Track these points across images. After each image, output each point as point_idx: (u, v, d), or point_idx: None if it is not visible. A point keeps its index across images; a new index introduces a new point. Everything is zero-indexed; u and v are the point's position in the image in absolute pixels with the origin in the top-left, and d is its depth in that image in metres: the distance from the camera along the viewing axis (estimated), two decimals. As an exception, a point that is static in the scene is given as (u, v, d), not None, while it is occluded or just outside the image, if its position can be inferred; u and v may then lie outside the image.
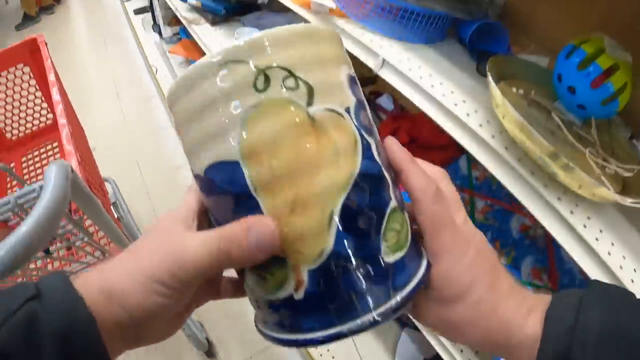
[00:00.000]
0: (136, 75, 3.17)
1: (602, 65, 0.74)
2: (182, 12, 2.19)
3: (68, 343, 0.26)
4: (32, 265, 1.21)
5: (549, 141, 0.62)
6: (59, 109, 1.05)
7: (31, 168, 1.51)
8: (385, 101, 1.61)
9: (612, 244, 0.65)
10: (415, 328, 1.49)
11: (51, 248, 1.17)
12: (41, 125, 1.57)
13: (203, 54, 2.01)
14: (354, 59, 1.02)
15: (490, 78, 0.75)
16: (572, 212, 0.67)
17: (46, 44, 1.30)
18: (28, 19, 4.21)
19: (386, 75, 0.98)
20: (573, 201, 0.68)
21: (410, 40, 1.05)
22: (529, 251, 1.04)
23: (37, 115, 1.54)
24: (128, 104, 2.87)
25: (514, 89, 0.87)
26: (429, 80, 0.90)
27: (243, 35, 1.69)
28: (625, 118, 0.88)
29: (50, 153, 1.55)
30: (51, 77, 1.15)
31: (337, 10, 1.08)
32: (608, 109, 0.77)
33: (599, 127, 0.85)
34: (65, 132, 0.94)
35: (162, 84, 2.67)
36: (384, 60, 0.97)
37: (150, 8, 3.24)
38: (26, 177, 1.48)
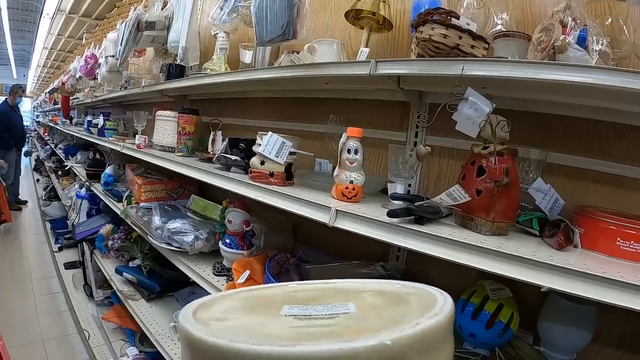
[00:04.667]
0: (65, 335, 3.00)
1: (489, 310, 0.99)
2: (118, 283, 2.26)
3: None
4: None
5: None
6: None
7: None
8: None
9: None
10: None
11: None
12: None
13: (137, 325, 2.03)
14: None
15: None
16: None
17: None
18: None
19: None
20: None
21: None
22: None
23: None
24: (59, 365, 2.64)
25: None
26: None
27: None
28: (525, 326, 1.07)
29: None
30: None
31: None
32: (505, 337, 0.99)
33: (505, 347, 1.04)
34: None
35: (96, 353, 2.54)
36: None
37: (80, 265, 3.29)
38: None
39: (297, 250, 1.50)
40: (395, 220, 0.90)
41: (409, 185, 1.29)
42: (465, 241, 0.80)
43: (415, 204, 0.92)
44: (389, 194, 1.05)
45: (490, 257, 0.77)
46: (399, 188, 1.06)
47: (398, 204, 1.02)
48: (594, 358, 1.05)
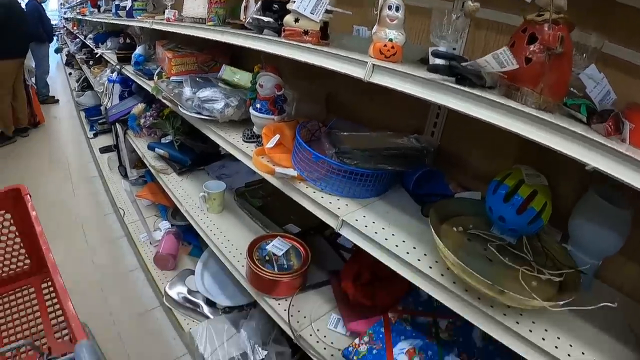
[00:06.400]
0: (102, 215, 3.20)
1: (523, 194, 0.93)
2: (150, 159, 2.33)
3: None
4: None
5: (487, 268, 0.78)
6: (50, 266, 1.09)
7: (7, 312, 1.50)
8: (345, 240, 1.74)
9: (558, 338, 0.79)
10: None
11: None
12: (17, 270, 1.59)
13: (169, 199, 2.13)
14: (316, 219, 1.16)
15: (432, 229, 0.92)
16: (517, 322, 0.81)
17: (30, 195, 1.36)
18: (4, 139, 4.39)
19: (346, 232, 1.11)
20: (517, 313, 0.83)
21: (363, 196, 1.21)
22: (494, 355, 1.13)
23: (14, 260, 1.56)
24: (96, 244, 2.85)
25: (454, 228, 1.04)
26: (382, 233, 1.04)
27: (210, 188, 1.83)
28: (555, 223, 1.04)
29: (26, 299, 1.56)
30: (38, 229, 1.21)
31: (298, 175, 1.23)
32: (534, 227, 0.94)
33: (532, 238, 1.02)
34: (69, 311, 0.98)
35: (131, 228, 2.72)
36: (343, 221, 1.10)
37: (115, 148, 3.40)
38: (2, 320, 1.48)
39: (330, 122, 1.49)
40: (435, 76, 0.85)
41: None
42: (511, 105, 0.74)
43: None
44: (431, 50, 0.99)
45: (537, 125, 0.70)
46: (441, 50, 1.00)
47: (440, 62, 0.96)
48: (618, 269, 1.04)
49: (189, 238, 2.46)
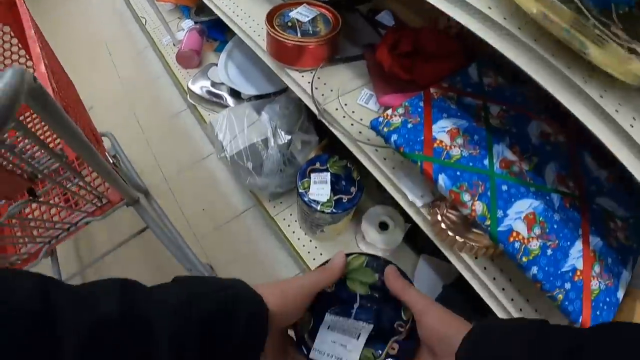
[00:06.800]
0: (125, 29, 3.05)
1: None
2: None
3: (253, 321, 0.42)
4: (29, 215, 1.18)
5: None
6: (36, 52, 0.96)
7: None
8: (385, 18, 1.49)
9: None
10: (432, 254, 1.43)
11: (38, 191, 1.13)
12: (27, 86, 1.51)
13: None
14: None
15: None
16: (601, 97, 0.58)
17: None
18: None
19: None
20: (601, 85, 0.58)
21: None
22: (552, 157, 0.94)
23: (22, 74, 1.47)
24: (121, 59, 2.77)
25: (525, -30, 0.76)
26: (430, -34, 0.79)
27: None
28: None
29: (36, 121, 1.49)
30: (31, 33, 1.06)
31: None
32: None
33: (619, 16, 0.74)
34: (39, 56, 0.86)
35: (153, 35, 2.56)
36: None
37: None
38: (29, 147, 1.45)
39: None
40: None
41: None
42: None
43: None
44: None
45: None
46: None
47: None
48: None
49: (214, 35, 2.29)
